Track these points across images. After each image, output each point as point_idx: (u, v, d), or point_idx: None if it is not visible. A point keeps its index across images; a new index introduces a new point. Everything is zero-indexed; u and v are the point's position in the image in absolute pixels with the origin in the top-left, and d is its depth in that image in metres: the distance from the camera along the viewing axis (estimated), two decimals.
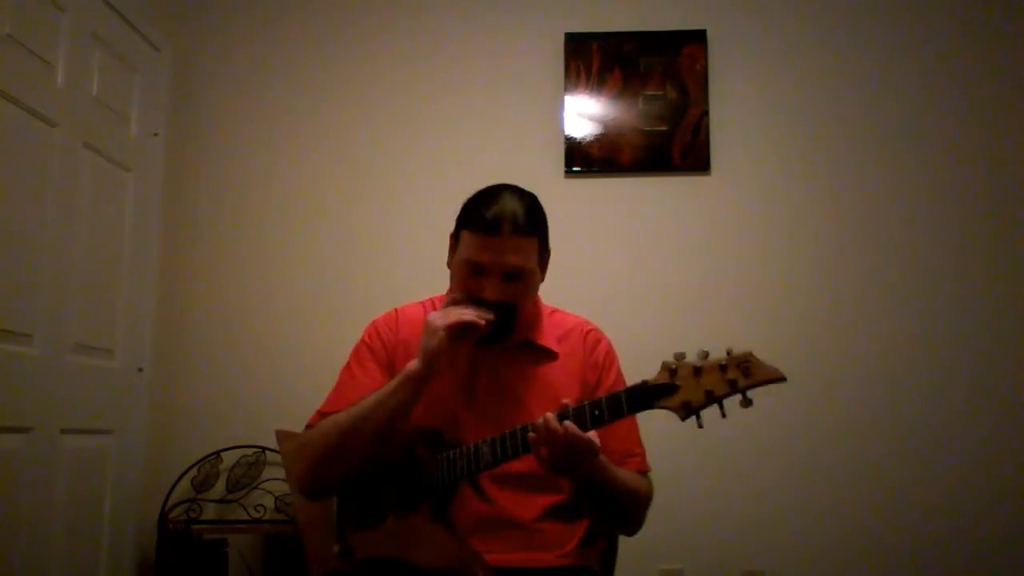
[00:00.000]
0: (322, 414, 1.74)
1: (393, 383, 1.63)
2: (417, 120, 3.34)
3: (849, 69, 3.29)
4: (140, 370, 3.07)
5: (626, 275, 3.23)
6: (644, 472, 1.73)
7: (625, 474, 1.65)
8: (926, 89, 3.26)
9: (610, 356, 1.80)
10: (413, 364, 1.61)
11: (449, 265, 1.73)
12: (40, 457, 2.50)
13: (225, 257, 3.31)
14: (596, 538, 1.74)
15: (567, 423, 1.48)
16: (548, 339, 1.76)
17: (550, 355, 1.74)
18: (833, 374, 3.11)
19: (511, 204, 1.63)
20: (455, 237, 1.70)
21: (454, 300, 1.68)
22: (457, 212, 1.70)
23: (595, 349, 1.78)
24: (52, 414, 2.56)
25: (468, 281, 1.65)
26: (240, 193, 3.34)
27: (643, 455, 1.75)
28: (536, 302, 1.78)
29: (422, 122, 3.34)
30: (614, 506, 1.66)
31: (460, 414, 1.68)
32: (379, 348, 1.78)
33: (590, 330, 1.81)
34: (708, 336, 3.07)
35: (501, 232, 1.61)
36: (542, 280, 1.74)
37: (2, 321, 2.35)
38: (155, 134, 3.18)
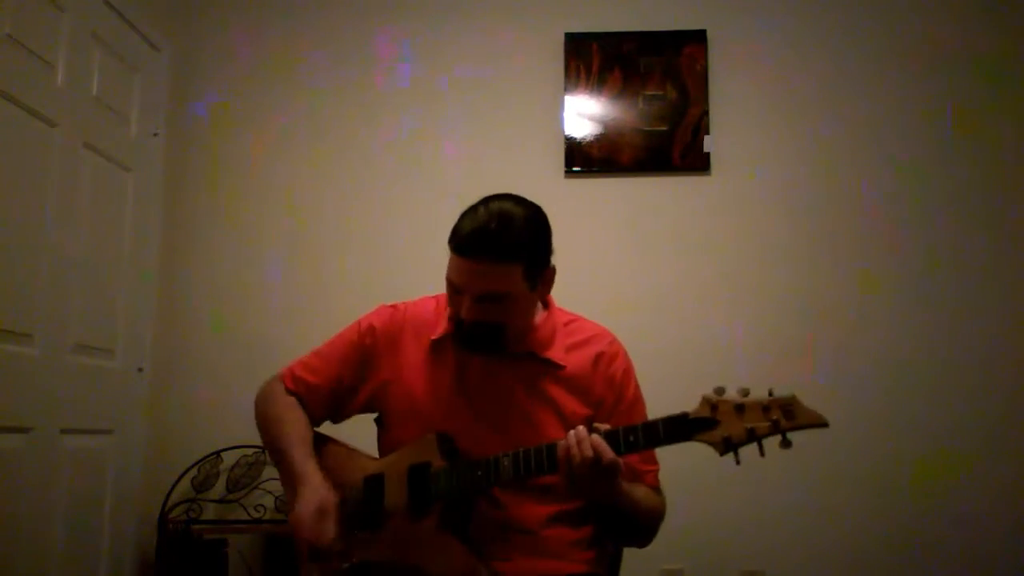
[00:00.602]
0: (292, 375, 1.79)
1: (290, 471, 1.68)
2: (417, 120, 3.34)
3: (849, 69, 3.29)
4: (140, 370, 3.07)
5: (626, 275, 3.23)
6: (658, 487, 1.72)
7: (642, 493, 1.63)
8: (925, 89, 3.26)
9: (628, 373, 1.73)
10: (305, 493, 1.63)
11: None
12: (40, 457, 2.50)
13: (225, 257, 3.31)
14: (603, 542, 1.73)
15: (594, 437, 1.45)
16: (557, 350, 1.70)
17: (556, 366, 1.69)
18: (833, 374, 3.11)
19: (496, 224, 1.53)
20: None
21: (448, 312, 1.68)
22: (456, 213, 1.66)
23: (611, 366, 1.71)
24: (52, 414, 2.56)
25: (451, 298, 1.63)
26: (240, 193, 3.34)
27: (657, 469, 1.72)
28: (551, 310, 1.74)
29: (422, 122, 3.34)
30: (630, 527, 1.65)
31: (468, 422, 1.66)
32: (366, 344, 1.76)
33: (604, 348, 1.73)
34: (708, 336, 3.13)
35: (474, 256, 1.54)
36: (546, 293, 1.69)
37: (2, 321, 2.35)
38: (155, 134, 3.18)
